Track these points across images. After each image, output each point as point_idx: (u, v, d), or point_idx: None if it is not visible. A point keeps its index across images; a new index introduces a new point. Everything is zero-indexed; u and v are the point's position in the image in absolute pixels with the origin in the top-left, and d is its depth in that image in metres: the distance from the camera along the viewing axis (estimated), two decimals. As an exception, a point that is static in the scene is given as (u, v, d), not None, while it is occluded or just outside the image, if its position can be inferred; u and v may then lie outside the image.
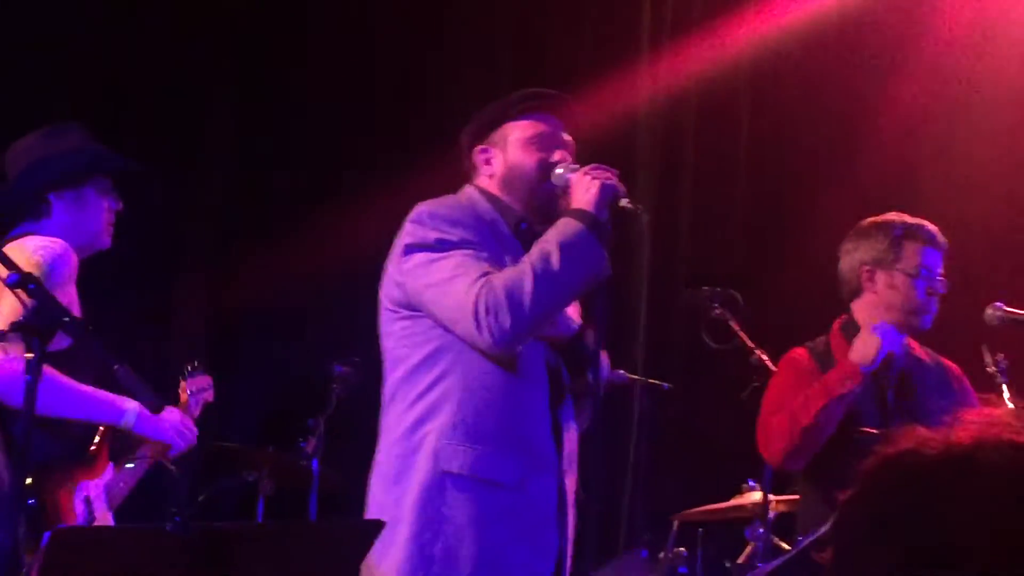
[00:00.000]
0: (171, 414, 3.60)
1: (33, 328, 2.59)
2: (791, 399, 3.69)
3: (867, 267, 3.77)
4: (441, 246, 3.01)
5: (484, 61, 6.18)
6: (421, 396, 3.02)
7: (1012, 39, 6.36)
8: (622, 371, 5.05)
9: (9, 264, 2.70)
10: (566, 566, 3.07)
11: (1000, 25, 6.40)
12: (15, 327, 2.63)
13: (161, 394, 2.95)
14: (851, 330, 3.78)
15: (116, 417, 3.47)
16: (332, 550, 2.70)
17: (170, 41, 5.79)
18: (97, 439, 3.58)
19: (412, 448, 3.00)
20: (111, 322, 3.72)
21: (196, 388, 4.24)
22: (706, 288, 4.50)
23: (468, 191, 3.21)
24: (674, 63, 6.65)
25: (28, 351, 2.60)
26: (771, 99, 6.83)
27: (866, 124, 6.58)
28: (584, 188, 3.02)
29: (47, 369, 3.16)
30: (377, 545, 2.78)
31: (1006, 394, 3.78)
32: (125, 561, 2.45)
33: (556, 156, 3.16)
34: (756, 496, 4.65)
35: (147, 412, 3.47)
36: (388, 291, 3.12)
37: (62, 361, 3.36)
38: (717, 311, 4.40)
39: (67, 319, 2.62)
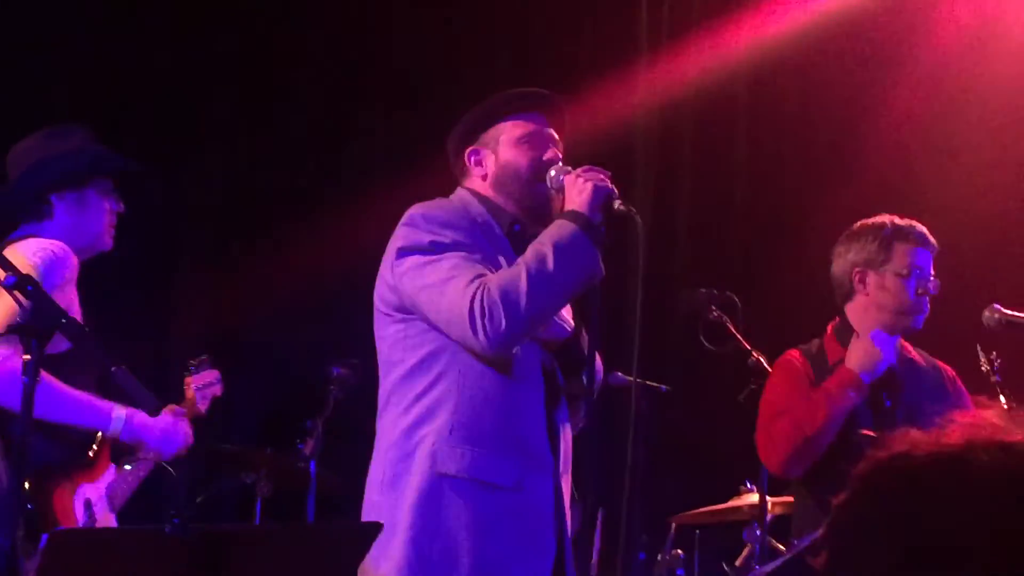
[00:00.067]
0: (161, 420, 3.57)
1: (31, 330, 2.60)
2: (791, 404, 3.71)
3: (858, 269, 3.80)
4: (434, 249, 3.01)
5: (484, 63, 6.18)
6: (417, 399, 3.03)
7: (1010, 41, 6.36)
8: (619, 373, 5.05)
9: (7, 266, 2.70)
10: (566, 567, 3.07)
11: (998, 27, 6.40)
12: (13, 329, 2.63)
13: (160, 396, 2.95)
14: (845, 333, 3.80)
15: (103, 424, 3.45)
16: (330, 552, 2.70)
17: (170, 41, 5.79)
18: (97, 442, 3.57)
19: (409, 451, 3.00)
20: (110, 323, 3.72)
21: (203, 383, 4.23)
22: (704, 290, 4.50)
23: (460, 193, 3.21)
24: (672, 66, 6.65)
25: (26, 353, 2.61)
26: (769, 102, 6.84)
27: (864, 127, 6.58)
28: (578, 190, 3.02)
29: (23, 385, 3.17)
30: (374, 547, 2.79)
31: (1000, 395, 3.81)
32: (123, 563, 2.45)
33: (548, 154, 3.16)
34: (753, 498, 4.65)
35: (135, 420, 3.46)
36: (382, 294, 3.12)
37: (62, 363, 3.36)
38: (715, 313, 4.40)
39: (65, 321, 2.62)
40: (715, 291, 4.47)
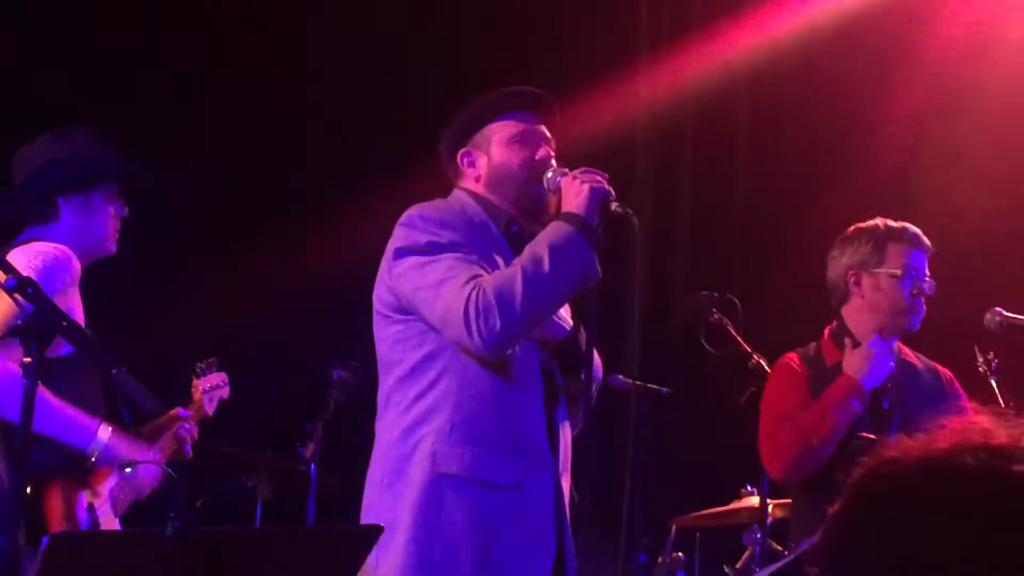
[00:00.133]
0: (144, 449, 3.55)
1: (31, 332, 2.59)
2: (793, 411, 3.72)
3: (853, 271, 3.82)
4: (431, 249, 3.01)
5: (483, 63, 6.18)
6: (416, 400, 3.03)
7: (1010, 43, 6.37)
8: (620, 375, 5.05)
9: (7, 268, 2.70)
10: (566, 567, 3.07)
11: (998, 29, 6.41)
12: (13, 331, 2.63)
13: (161, 398, 2.94)
14: (841, 336, 3.82)
15: (85, 442, 3.41)
16: (330, 555, 2.69)
17: (170, 41, 5.80)
18: None
19: (408, 451, 3.00)
20: (110, 325, 3.71)
21: (210, 386, 4.23)
22: (704, 293, 4.50)
23: (457, 194, 3.22)
24: (672, 67, 6.66)
25: (26, 355, 2.60)
26: (769, 104, 6.84)
27: (864, 128, 6.59)
28: (574, 192, 3.03)
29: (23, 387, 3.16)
30: (374, 548, 2.78)
31: (998, 395, 3.82)
32: (123, 565, 2.44)
33: (540, 153, 3.17)
34: (754, 501, 4.65)
35: (115, 447, 3.44)
36: (381, 295, 3.12)
37: (66, 367, 3.36)
38: (715, 316, 4.40)
39: (65, 323, 2.62)
40: (716, 293, 4.47)
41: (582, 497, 3.13)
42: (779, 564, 3.69)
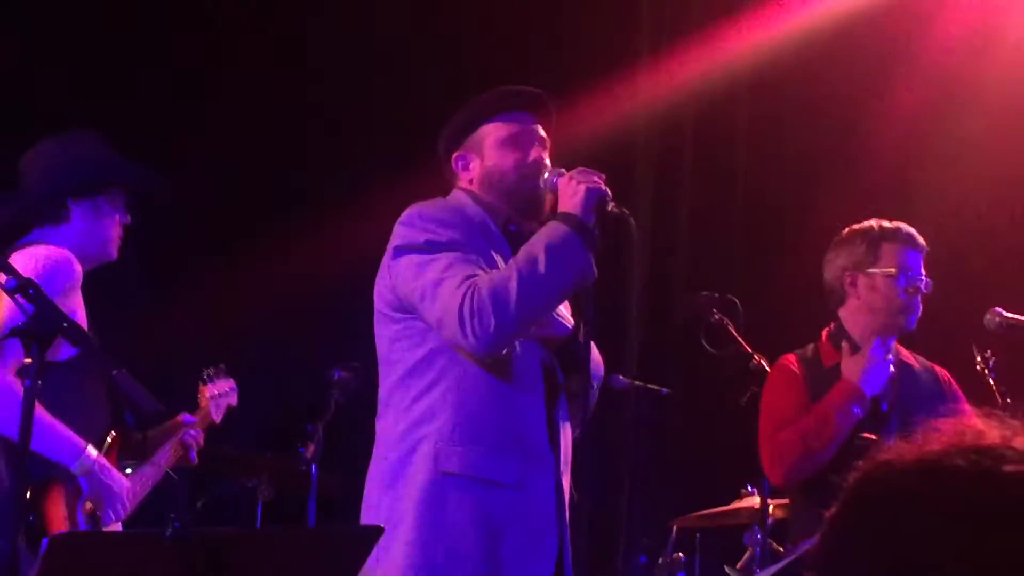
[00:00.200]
0: (121, 485, 3.53)
1: (32, 333, 2.59)
2: (793, 415, 3.72)
3: (848, 273, 3.82)
4: (430, 248, 3.02)
5: (484, 64, 6.18)
6: (417, 399, 3.02)
7: (1009, 43, 6.37)
8: (620, 376, 5.05)
9: (8, 270, 2.70)
10: (565, 567, 3.07)
11: (997, 30, 6.41)
12: (14, 332, 2.63)
13: (162, 400, 2.94)
14: (839, 337, 3.82)
15: (70, 459, 3.38)
16: (331, 556, 2.69)
17: (170, 41, 5.80)
18: (104, 450, 3.56)
19: (410, 450, 3.00)
20: (110, 326, 3.71)
21: (217, 392, 4.23)
22: (705, 293, 4.51)
23: (456, 194, 3.22)
24: (672, 68, 6.66)
25: (27, 356, 2.61)
26: (769, 104, 6.84)
27: (864, 129, 6.58)
28: (570, 192, 3.03)
29: (17, 390, 3.16)
30: (375, 546, 2.78)
31: (996, 394, 3.83)
32: (124, 567, 2.44)
33: (532, 154, 3.17)
34: (754, 501, 4.65)
35: (99, 472, 3.43)
36: (381, 294, 3.12)
37: (68, 371, 3.35)
38: (716, 316, 4.40)
39: (66, 324, 2.62)
40: (716, 294, 4.47)
41: (582, 497, 3.13)
42: (779, 565, 3.68)
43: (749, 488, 4.87)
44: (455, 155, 3.24)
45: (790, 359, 3.90)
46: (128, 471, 3.67)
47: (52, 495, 3.39)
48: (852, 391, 3.67)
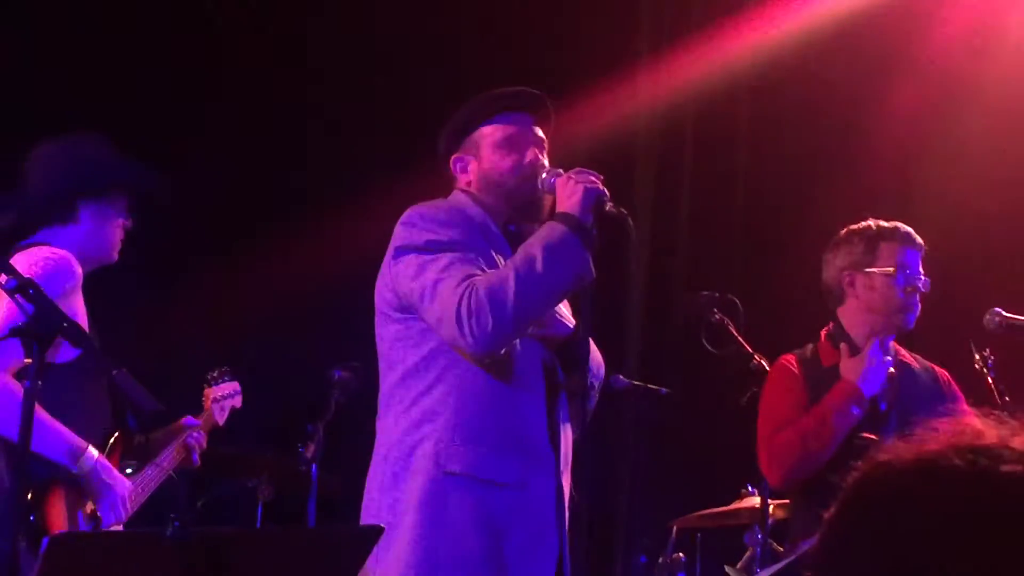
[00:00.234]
0: (123, 486, 3.54)
1: (32, 333, 2.59)
2: (791, 416, 3.72)
3: (846, 272, 3.82)
4: (430, 248, 3.02)
5: (484, 64, 6.18)
6: (418, 399, 3.02)
7: (1008, 43, 6.37)
8: (620, 376, 5.05)
9: (8, 270, 2.70)
10: (565, 567, 3.07)
11: (996, 30, 6.41)
12: (14, 332, 2.63)
13: (161, 399, 2.94)
14: (838, 337, 3.82)
15: (71, 460, 3.38)
16: (331, 556, 2.69)
17: (170, 42, 5.80)
18: (106, 451, 3.56)
19: (410, 450, 3.00)
20: (110, 326, 3.72)
21: (221, 395, 4.23)
22: (705, 293, 4.51)
23: (456, 194, 3.23)
24: (672, 68, 6.66)
25: (27, 357, 2.61)
26: (769, 105, 6.85)
27: (864, 128, 6.59)
28: (568, 192, 3.03)
29: (17, 391, 3.16)
30: (376, 547, 2.78)
31: (995, 392, 3.83)
32: (124, 567, 2.44)
33: (528, 156, 3.17)
34: (755, 501, 4.65)
35: (100, 473, 3.43)
36: (382, 294, 3.13)
37: (69, 373, 3.36)
38: (717, 316, 4.40)
39: (66, 324, 2.62)
40: (717, 294, 4.47)
41: (581, 497, 3.13)
42: (778, 566, 3.68)
43: (749, 488, 4.87)
44: (453, 158, 3.25)
45: (789, 359, 3.90)
46: (128, 471, 3.67)
47: (53, 496, 3.39)
48: (851, 391, 3.67)
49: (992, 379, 3.90)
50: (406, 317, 3.06)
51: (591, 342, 3.15)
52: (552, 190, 3.10)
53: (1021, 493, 1.08)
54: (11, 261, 3.37)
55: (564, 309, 3.22)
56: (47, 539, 2.33)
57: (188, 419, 3.99)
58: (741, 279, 6.45)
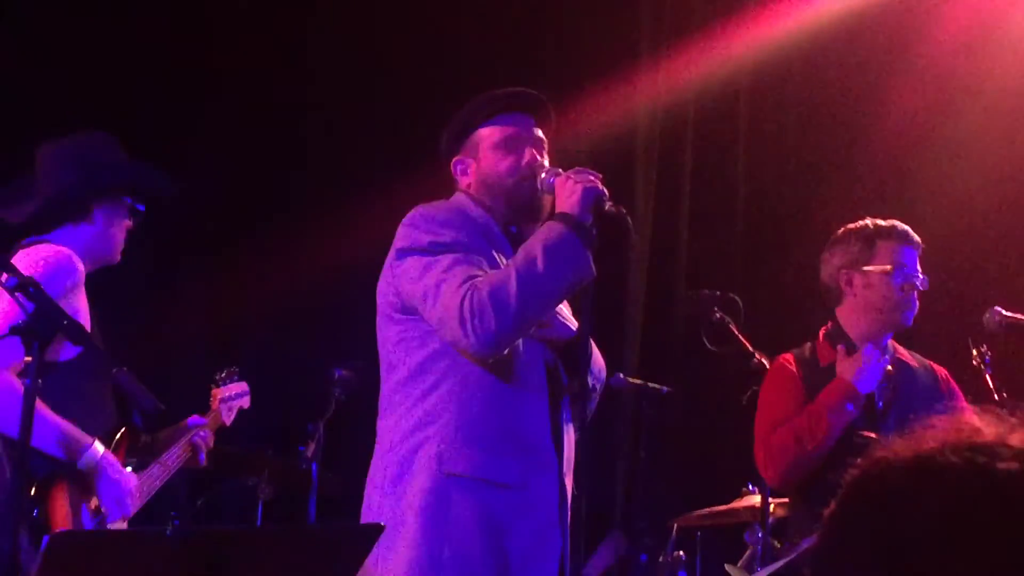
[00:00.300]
0: (129, 482, 3.54)
1: (32, 331, 2.60)
2: (787, 415, 3.72)
3: (844, 271, 3.82)
4: (433, 249, 3.02)
5: (484, 63, 6.18)
6: (421, 399, 3.02)
7: (1009, 43, 6.37)
8: (621, 375, 5.05)
9: (8, 268, 2.70)
10: (567, 568, 3.07)
11: (997, 29, 6.41)
12: (14, 330, 2.64)
13: (161, 398, 2.95)
14: (836, 336, 3.82)
15: (77, 456, 3.39)
16: (331, 554, 2.69)
17: (170, 42, 5.80)
18: (112, 447, 3.56)
19: (412, 451, 2.99)
20: (110, 325, 3.72)
21: (229, 395, 4.24)
22: (706, 292, 4.51)
23: (458, 195, 3.23)
24: (673, 67, 6.66)
25: (27, 355, 2.61)
26: (769, 103, 6.85)
27: (865, 127, 6.59)
28: (567, 192, 3.03)
29: (18, 388, 3.16)
30: (378, 548, 2.78)
31: (992, 389, 3.83)
32: (124, 565, 2.45)
33: (526, 157, 3.17)
34: (755, 500, 4.65)
35: (105, 468, 3.43)
36: (384, 294, 3.12)
37: (72, 371, 3.36)
38: (717, 315, 4.40)
39: (66, 323, 2.63)
40: (717, 292, 4.47)
41: (582, 496, 3.13)
42: (779, 564, 3.69)
43: (750, 487, 4.87)
44: (454, 160, 3.25)
45: (787, 359, 3.90)
46: (128, 469, 3.67)
47: (57, 491, 3.39)
48: (845, 388, 3.67)
49: (989, 376, 3.91)
50: (409, 318, 3.06)
51: (592, 344, 3.15)
52: (551, 190, 3.10)
53: (1018, 490, 1.08)
54: (14, 258, 3.39)
55: (565, 311, 3.22)
56: (47, 537, 2.33)
57: (194, 418, 3.99)
58: (741, 278, 6.45)
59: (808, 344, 3.92)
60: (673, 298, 6.48)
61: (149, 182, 3.78)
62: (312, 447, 4.92)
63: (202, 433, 3.96)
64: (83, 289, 3.52)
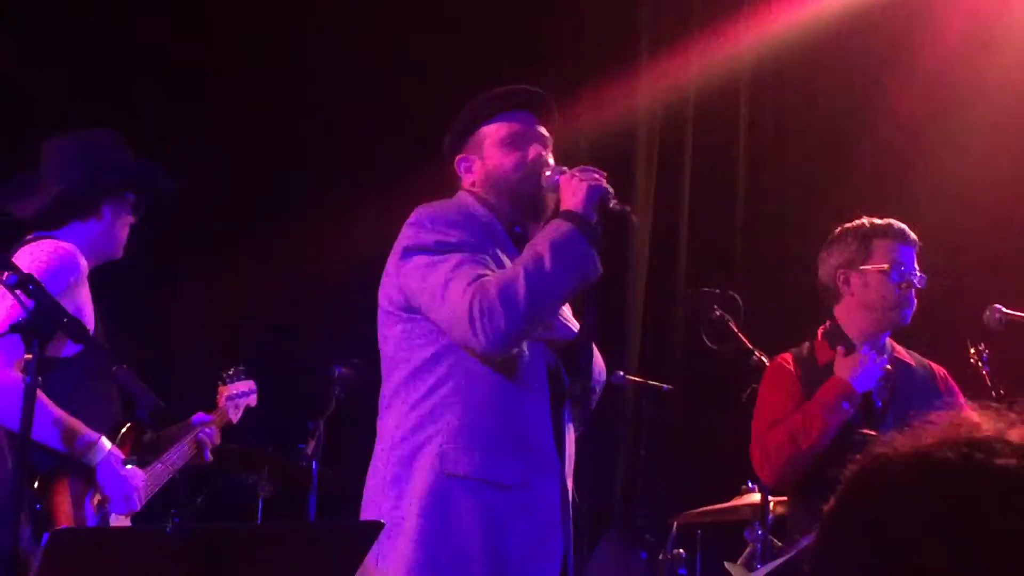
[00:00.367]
0: (137, 478, 3.55)
1: (32, 329, 2.60)
2: (783, 414, 3.72)
3: (841, 271, 3.82)
4: (439, 248, 3.01)
5: (485, 62, 6.19)
6: (422, 399, 3.02)
7: (1009, 42, 6.37)
8: (621, 373, 5.06)
9: (8, 265, 2.71)
10: (569, 568, 3.07)
11: (997, 28, 6.41)
12: (14, 328, 2.64)
13: (162, 397, 2.95)
14: (835, 336, 3.82)
15: (83, 451, 3.40)
16: (331, 551, 2.70)
17: (169, 42, 5.80)
18: (117, 442, 3.56)
19: (413, 450, 2.99)
20: (110, 324, 3.72)
21: (236, 392, 4.24)
22: (706, 290, 4.51)
23: (462, 195, 3.22)
24: (674, 65, 6.66)
25: (27, 352, 2.61)
26: (769, 102, 6.86)
27: (866, 125, 6.60)
28: (572, 190, 3.03)
29: (22, 385, 3.17)
30: (377, 546, 2.78)
31: (990, 386, 3.83)
32: (124, 562, 2.45)
33: (531, 153, 3.16)
34: (755, 498, 4.65)
35: (110, 464, 3.44)
36: (387, 293, 3.11)
37: (78, 366, 3.36)
38: (717, 313, 4.41)
39: (66, 320, 2.63)
40: (717, 290, 4.48)
41: (582, 497, 3.13)
42: (778, 562, 3.69)
43: (750, 484, 4.87)
44: (458, 158, 3.24)
45: (786, 358, 3.90)
46: (129, 467, 3.67)
47: (60, 486, 3.40)
48: (841, 387, 3.67)
49: (987, 373, 3.91)
50: (413, 317, 3.05)
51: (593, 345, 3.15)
52: (556, 188, 3.10)
53: (1016, 486, 1.08)
54: (17, 253, 3.40)
55: (566, 311, 3.22)
56: (47, 534, 2.33)
57: (199, 415, 3.99)
58: (742, 276, 6.45)
59: (806, 344, 3.92)
60: (673, 296, 6.49)
61: (154, 179, 3.79)
62: (312, 445, 4.92)
63: (208, 430, 3.97)
64: (86, 285, 3.53)
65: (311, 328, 5.89)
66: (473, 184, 3.21)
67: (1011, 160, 6.25)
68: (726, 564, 4.63)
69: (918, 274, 3.79)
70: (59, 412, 3.33)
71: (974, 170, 6.25)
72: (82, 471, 3.43)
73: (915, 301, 3.79)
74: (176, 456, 3.82)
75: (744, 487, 4.92)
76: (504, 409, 2.99)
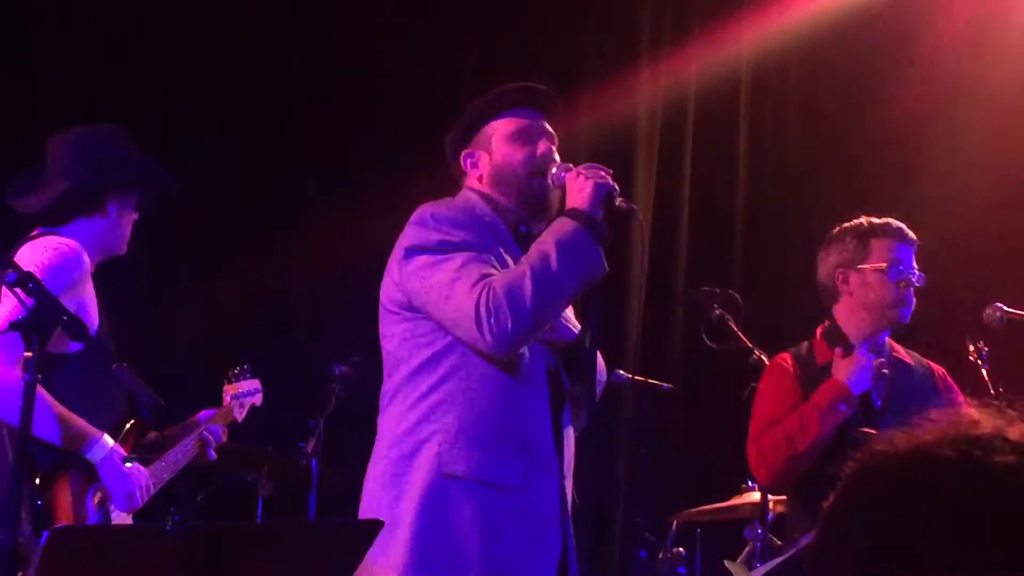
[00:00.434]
0: (140, 476, 3.56)
1: (32, 327, 2.60)
2: (781, 415, 3.71)
3: (840, 270, 3.82)
4: (443, 248, 3.01)
5: (486, 61, 6.19)
6: (423, 398, 3.01)
7: (1010, 40, 6.37)
8: (621, 371, 5.06)
9: (8, 263, 2.71)
10: (570, 568, 3.07)
11: (998, 26, 6.41)
12: (14, 326, 2.64)
13: (162, 395, 2.95)
14: (833, 336, 3.82)
15: (85, 448, 3.40)
16: (330, 550, 2.70)
17: (169, 42, 5.80)
18: (120, 439, 3.56)
19: (413, 449, 2.99)
20: (110, 323, 3.72)
21: (242, 391, 4.23)
22: (706, 288, 4.51)
23: (465, 194, 3.21)
24: (674, 64, 6.66)
25: (27, 350, 2.61)
26: (769, 100, 6.86)
27: (866, 124, 6.59)
28: (578, 188, 3.02)
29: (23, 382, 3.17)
30: (375, 545, 2.78)
31: (989, 384, 3.84)
32: (124, 560, 2.45)
33: (541, 148, 3.16)
34: (755, 496, 4.66)
35: (112, 460, 3.44)
36: (389, 293, 3.11)
37: (81, 363, 3.36)
38: (717, 312, 4.41)
39: (66, 318, 2.63)
40: (717, 289, 4.48)
41: (582, 496, 3.13)
42: (778, 560, 3.69)
43: (749, 483, 4.87)
44: (464, 153, 3.23)
45: (785, 358, 3.89)
46: (129, 464, 3.67)
47: (61, 482, 3.40)
48: (838, 388, 3.66)
49: (986, 371, 3.91)
50: (415, 316, 3.04)
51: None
52: (562, 185, 3.09)
53: (1015, 484, 1.08)
54: (21, 250, 3.40)
55: (569, 313, 3.21)
56: (47, 532, 2.33)
57: (204, 413, 3.99)
58: (741, 274, 6.46)
59: (805, 343, 3.91)
60: (673, 294, 6.49)
61: (159, 176, 3.80)
62: (312, 443, 4.91)
63: (213, 428, 3.97)
64: (90, 282, 3.53)
65: (311, 327, 5.89)
66: (479, 179, 3.19)
67: (1011, 159, 6.25)
68: (726, 563, 4.63)
69: (916, 273, 3.79)
70: (60, 409, 3.33)
71: (975, 168, 6.25)
72: (83, 468, 3.43)
73: (914, 300, 3.79)
74: (180, 454, 3.82)
75: (744, 486, 4.93)
76: (504, 410, 2.99)
